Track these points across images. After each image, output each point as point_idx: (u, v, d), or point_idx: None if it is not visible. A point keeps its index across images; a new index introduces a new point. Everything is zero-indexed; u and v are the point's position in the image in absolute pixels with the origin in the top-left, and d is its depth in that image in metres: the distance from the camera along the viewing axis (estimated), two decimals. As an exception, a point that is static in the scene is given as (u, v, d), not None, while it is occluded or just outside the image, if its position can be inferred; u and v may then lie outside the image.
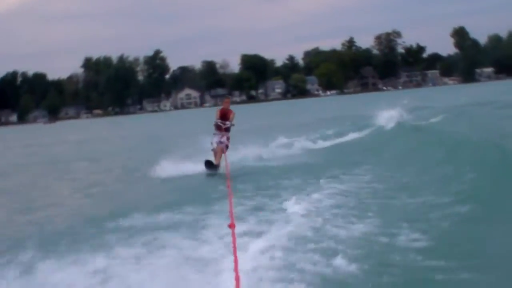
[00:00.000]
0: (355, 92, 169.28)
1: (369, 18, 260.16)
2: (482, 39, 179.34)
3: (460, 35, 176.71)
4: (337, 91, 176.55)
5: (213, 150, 16.74)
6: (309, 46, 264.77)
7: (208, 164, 16.32)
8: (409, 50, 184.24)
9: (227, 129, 16.91)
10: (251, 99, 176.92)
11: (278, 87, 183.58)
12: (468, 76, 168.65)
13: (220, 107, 17.58)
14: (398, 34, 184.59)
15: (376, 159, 16.06)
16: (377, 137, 21.55)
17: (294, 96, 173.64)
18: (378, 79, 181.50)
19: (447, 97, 60.15)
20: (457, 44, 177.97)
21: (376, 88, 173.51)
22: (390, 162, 15.28)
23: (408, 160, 15.14)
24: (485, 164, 11.59)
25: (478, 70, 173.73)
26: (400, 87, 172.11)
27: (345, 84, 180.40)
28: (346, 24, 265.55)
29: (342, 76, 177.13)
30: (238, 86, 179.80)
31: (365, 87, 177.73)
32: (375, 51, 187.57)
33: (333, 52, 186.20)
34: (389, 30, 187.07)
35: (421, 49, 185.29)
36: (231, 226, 6.86)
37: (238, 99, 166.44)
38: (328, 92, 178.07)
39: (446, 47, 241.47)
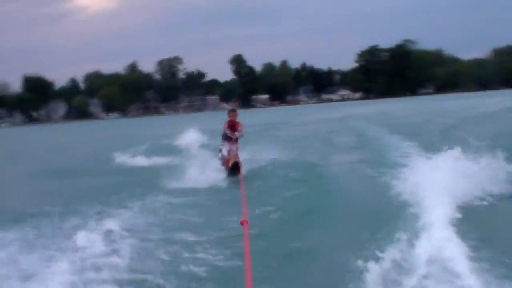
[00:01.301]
0: (137, 115, 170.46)
1: (151, 42, 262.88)
2: (258, 67, 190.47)
3: (237, 62, 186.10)
4: (119, 114, 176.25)
5: (221, 159, 16.64)
6: (91, 68, 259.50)
7: (232, 172, 16.05)
8: (190, 75, 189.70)
9: (236, 140, 16.86)
10: (34, 120, 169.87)
11: (61, 108, 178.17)
12: (245, 102, 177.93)
13: (227, 120, 17.22)
14: (179, 60, 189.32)
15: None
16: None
17: (76, 118, 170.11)
18: (160, 103, 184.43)
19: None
20: (235, 71, 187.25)
21: (157, 112, 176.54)
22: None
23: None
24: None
25: (254, 97, 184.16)
26: (181, 111, 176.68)
27: (128, 107, 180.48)
28: (129, 46, 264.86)
29: (124, 99, 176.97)
30: (19, 107, 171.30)
31: (148, 110, 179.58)
32: (157, 76, 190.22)
33: (115, 75, 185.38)
34: (171, 55, 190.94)
35: (201, 75, 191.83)
36: (243, 222, 7.19)
37: (17, 121, 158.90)
38: (111, 115, 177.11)
39: (226, 74, 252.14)
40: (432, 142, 11.33)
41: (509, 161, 11.23)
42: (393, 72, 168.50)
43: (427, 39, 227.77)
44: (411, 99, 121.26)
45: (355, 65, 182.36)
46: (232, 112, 17.47)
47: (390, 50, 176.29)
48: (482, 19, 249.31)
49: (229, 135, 16.76)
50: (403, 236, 7.45)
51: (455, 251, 6.57)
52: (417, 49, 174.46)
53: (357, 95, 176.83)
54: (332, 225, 9.62)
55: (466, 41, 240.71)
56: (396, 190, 10.52)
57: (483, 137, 11.69)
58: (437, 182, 9.81)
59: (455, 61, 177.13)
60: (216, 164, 16.92)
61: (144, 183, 15.93)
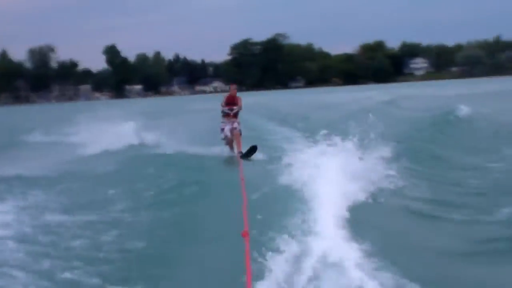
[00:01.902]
0: (7, 104, 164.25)
1: (22, 30, 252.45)
2: (132, 57, 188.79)
3: (111, 52, 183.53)
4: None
5: (224, 139, 16.29)
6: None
7: (245, 155, 15.52)
8: (62, 64, 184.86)
9: (236, 115, 16.40)
10: None
11: None
12: (119, 92, 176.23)
13: (226, 94, 16.99)
14: (51, 48, 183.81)
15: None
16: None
17: None
18: (31, 92, 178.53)
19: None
20: (109, 61, 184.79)
21: (29, 101, 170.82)
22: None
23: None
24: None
25: (128, 87, 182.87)
26: (53, 101, 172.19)
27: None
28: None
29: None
30: None
31: (18, 99, 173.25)
32: (28, 64, 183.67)
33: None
34: (43, 43, 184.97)
35: (74, 64, 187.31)
36: (244, 235, 6.63)
37: None
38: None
39: (100, 63, 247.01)
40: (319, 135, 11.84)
41: (393, 157, 11.73)
42: (265, 65, 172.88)
43: (298, 34, 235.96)
44: (283, 92, 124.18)
45: (229, 57, 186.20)
46: (232, 85, 17.30)
47: (262, 43, 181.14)
48: (350, 13, 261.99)
49: (227, 111, 16.42)
50: (292, 235, 7.16)
51: (344, 249, 6.46)
52: (288, 43, 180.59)
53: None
54: (211, 223, 9.36)
55: (335, 36, 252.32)
56: (285, 186, 10.27)
57: (369, 131, 11.60)
58: (326, 178, 9.64)
59: (325, 55, 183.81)
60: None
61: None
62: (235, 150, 16.10)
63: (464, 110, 29.77)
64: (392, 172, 10.99)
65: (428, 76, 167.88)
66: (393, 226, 9.05)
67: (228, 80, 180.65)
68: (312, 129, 17.38)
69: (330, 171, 9.93)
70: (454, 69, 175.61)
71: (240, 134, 16.17)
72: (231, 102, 16.61)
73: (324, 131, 11.55)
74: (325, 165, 10.28)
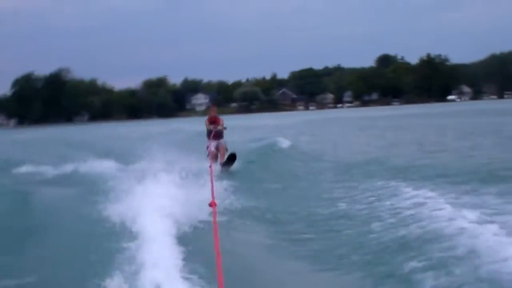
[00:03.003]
0: None
1: None
2: None
3: None
4: None
5: (209, 155, 16.53)
6: None
7: (225, 163, 16.26)
8: None
9: (220, 134, 16.89)
10: None
11: None
12: None
13: (208, 116, 17.43)
14: None
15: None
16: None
17: None
18: None
19: None
20: None
21: None
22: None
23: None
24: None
25: None
26: None
27: None
28: None
29: None
30: None
31: None
32: None
33: None
34: None
35: None
36: (212, 204, 7.39)
37: None
38: None
39: None
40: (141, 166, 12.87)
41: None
42: (49, 99, 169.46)
43: (82, 69, 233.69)
44: (67, 127, 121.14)
45: (10, 92, 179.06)
46: (213, 107, 18.23)
47: (45, 78, 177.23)
48: (134, 49, 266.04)
49: (211, 129, 16.92)
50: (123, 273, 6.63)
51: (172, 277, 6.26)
52: (72, 78, 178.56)
53: (12, 122, 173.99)
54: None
55: (119, 71, 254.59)
56: (111, 219, 9.23)
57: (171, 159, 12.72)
58: (155, 207, 9.15)
59: (108, 90, 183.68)
60: None
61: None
62: (218, 162, 16.83)
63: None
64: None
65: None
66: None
67: (9, 115, 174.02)
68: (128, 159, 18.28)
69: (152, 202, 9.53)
70: (233, 104, 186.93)
71: (226, 150, 16.99)
72: (212, 122, 17.27)
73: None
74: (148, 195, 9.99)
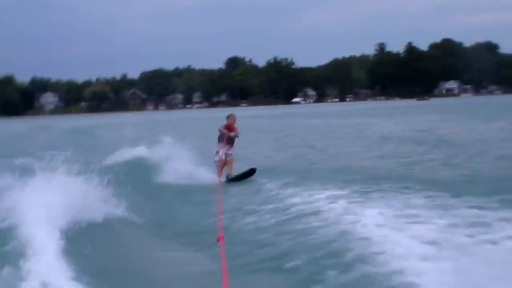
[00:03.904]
0: None
1: None
2: None
3: None
4: None
5: (217, 160, 16.21)
6: None
7: (239, 177, 15.71)
8: None
9: (232, 143, 16.50)
10: None
11: None
12: None
13: (224, 124, 16.82)
14: None
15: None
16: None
17: None
18: None
19: None
20: None
21: None
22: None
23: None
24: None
25: None
26: None
27: None
28: None
29: None
30: None
31: None
32: None
33: None
34: None
35: None
36: (220, 238, 6.97)
37: None
38: None
39: None
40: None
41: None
42: None
43: None
44: None
45: None
46: (232, 115, 17.15)
47: None
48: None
49: (224, 133, 16.49)
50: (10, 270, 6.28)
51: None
52: None
53: None
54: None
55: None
56: None
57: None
58: (39, 204, 8.38)
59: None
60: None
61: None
62: (224, 174, 16.49)
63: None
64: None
65: (58, 111, 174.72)
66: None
67: None
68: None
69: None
70: (83, 104, 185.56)
71: (234, 160, 16.54)
72: (229, 130, 16.82)
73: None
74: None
